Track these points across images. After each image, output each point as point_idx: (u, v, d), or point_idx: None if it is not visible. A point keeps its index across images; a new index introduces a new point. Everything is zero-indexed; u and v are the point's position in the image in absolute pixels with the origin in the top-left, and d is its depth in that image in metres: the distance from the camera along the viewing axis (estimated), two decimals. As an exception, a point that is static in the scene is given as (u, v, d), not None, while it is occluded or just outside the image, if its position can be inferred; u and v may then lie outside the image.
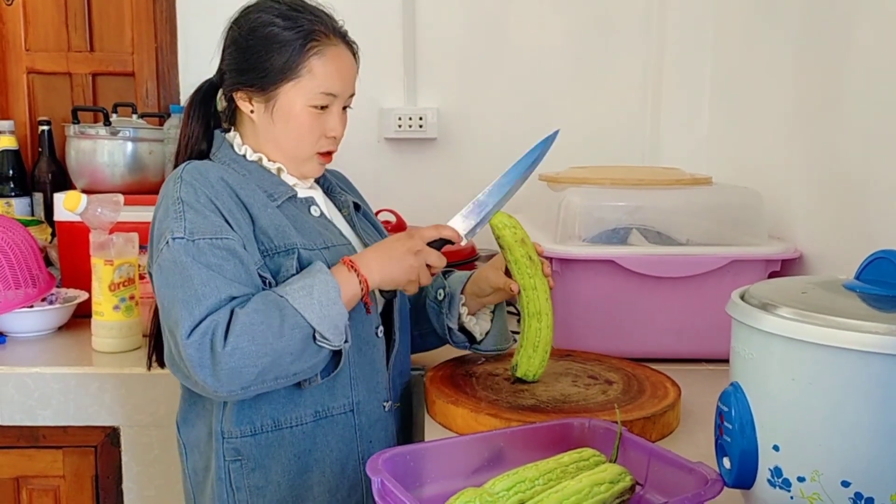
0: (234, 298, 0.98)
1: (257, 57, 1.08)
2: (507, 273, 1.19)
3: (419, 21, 2.03)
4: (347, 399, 1.12)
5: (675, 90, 1.98)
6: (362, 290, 1.05)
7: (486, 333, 1.26)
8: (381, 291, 1.13)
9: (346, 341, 1.03)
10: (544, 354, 1.16)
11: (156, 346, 1.20)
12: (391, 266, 1.08)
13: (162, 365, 1.21)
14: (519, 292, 1.17)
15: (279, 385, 1.01)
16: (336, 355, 1.06)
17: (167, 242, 1.01)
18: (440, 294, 1.25)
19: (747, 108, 1.69)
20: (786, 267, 1.40)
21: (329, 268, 1.05)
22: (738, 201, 1.48)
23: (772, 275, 1.38)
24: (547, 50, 2.05)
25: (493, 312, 1.28)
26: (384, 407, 1.16)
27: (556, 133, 1.20)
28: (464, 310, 1.24)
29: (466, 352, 1.29)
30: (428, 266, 1.10)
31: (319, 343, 1.00)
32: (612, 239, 1.44)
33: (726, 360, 0.80)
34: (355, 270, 1.05)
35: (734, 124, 1.76)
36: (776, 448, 0.71)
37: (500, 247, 1.18)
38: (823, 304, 0.71)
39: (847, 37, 1.28)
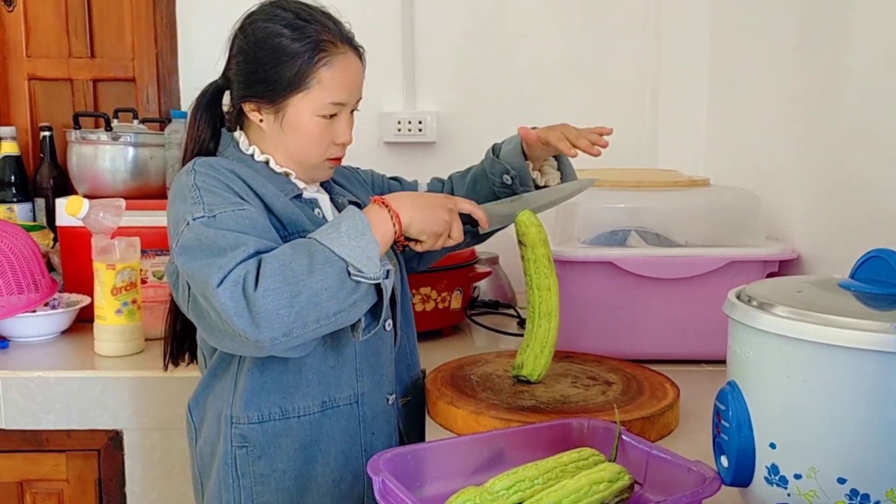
0: (260, 253, 0.97)
1: (266, 69, 1.08)
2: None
3: (418, 25, 2.04)
4: (353, 390, 1.13)
5: (673, 92, 1.99)
6: (394, 225, 1.03)
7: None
8: (400, 246, 1.10)
9: (386, 277, 1.00)
10: (549, 356, 1.18)
11: (171, 347, 1.21)
12: (425, 211, 1.06)
13: (176, 364, 1.23)
14: (533, 289, 1.17)
15: (324, 330, 0.98)
16: (375, 307, 1.02)
17: (187, 223, 1.00)
18: (507, 179, 1.25)
19: (745, 109, 1.70)
20: (783, 268, 1.40)
21: None
22: (736, 203, 1.49)
23: (769, 276, 1.38)
24: (545, 53, 2.06)
25: (556, 160, 1.30)
26: (387, 400, 1.17)
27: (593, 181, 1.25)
28: (535, 174, 1.26)
29: (465, 353, 1.30)
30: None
31: (355, 277, 0.96)
32: (610, 241, 1.45)
33: (725, 361, 0.80)
34: (386, 206, 1.04)
35: (732, 126, 1.77)
36: (773, 446, 0.72)
37: (522, 244, 1.18)
38: (818, 303, 0.72)
39: (844, 38, 1.29)
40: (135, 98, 2.08)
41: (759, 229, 1.45)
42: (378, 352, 1.15)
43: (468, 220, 1.14)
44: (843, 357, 0.67)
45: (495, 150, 1.30)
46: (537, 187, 1.27)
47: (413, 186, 1.37)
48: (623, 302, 1.39)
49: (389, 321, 1.16)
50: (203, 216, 1.00)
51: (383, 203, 1.05)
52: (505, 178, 1.25)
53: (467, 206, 1.13)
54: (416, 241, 1.08)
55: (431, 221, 1.07)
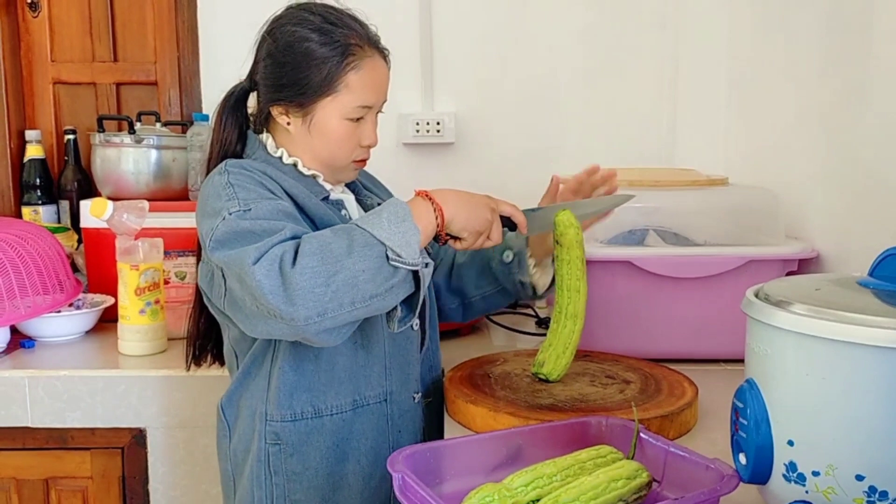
0: (298, 237, 0.97)
1: (295, 73, 1.09)
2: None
3: (436, 26, 2.05)
4: (382, 388, 1.14)
5: (692, 92, 1.99)
6: (437, 217, 1.03)
7: (550, 284, 1.28)
8: (442, 240, 1.09)
9: (426, 265, 1.00)
10: (570, 357, 1.18)
11: (194, 347, 1.22)
12: (468, 208, 1.06)
13: (199, 365, 1.24)
14: (563, 290, 1.18)
15: (359, 313, 0.97)
16: (411, 299, 1.02)
17: (223, 218, 1.00)
18: (507, 256, 1.26)
19: (763, 108, 1.69)
20: (803, 266, 1.40)
21: None
22: (755, 202, 1.48)
23: (789, 274, 1.38)
24: (562, 53, 2.06)
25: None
26: (414, 398, 1.19)
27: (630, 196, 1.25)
28: (531, 262, 1.26)
29: (484, 352, 1.31)
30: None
31: (393, 262, 0.96)
32: (629, 240, 1.45)
33: (744, 360, 0.80)
34: (430, 199, 1.04)
35: (750, 125, 1.76)
36: (791, 443, 0.72)
37: (558, 244, 1.17)
38: (837, 301, 0.72)
39: (865, 34, 1.28)
40: (157, 101, 2.10)
41: (779, 228, 1.45)
42: (406, 351, 1.17)
43: (507, 224, 1.14)
44: (862, 354, 0.67)
45: None
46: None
47: None
48: (641, 301, 1.39)
49: (417, 321, 1.17)
50: (238, 210, 1.01)
51: (427, 196, 1.05)
52: (506, 254, 1.26)
53: (508, 209, 1.13)
54: (457, 238, 1.08)
55: (475, 218, 1.07)
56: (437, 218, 1.04)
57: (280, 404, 1.10)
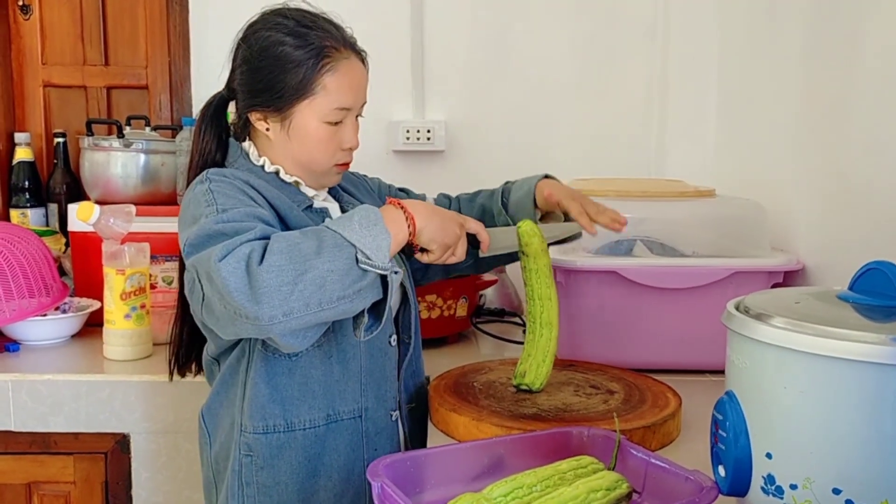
0: (268, 237, 0.96)
1: (270, 78, 1.09)
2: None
3: (427, 34, 2.06)
4: (357, 404, 1.13)
5: (680, 102, 2.00)
6: (409, 225, 1.03)
7: None
8: (406, 253, 1.09)
9: (395, 272, 0.98)
10: (550, 364, 1.18)
11: (176, 354, 1.21)
12: (438, 220, 1.06)
13: (183, 375, 1.24)
14: (534, 299, 1.18)
15: (325, 315, 0.95)
16: (379, 303, 1.01)
17: (199, 223, 1.00)
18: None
19: (752, 120, 1.70)
20: (788, 278, 1.40)
21: None
22: (742, 213, 1.49)
23: (774, 286, 1.38)
24: (553, 62, 2.07)
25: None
26: (391, 416, 1.17)
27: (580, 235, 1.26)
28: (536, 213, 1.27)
29: (470, 361, 1.31)
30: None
31: (362, 265, 0.95)
32: (616, 250, 1.45)
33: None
34: (402, 208, 1.04)
35: (738, 137, 1.77)
36: (769, 456, 0.72)
37: (524, 254, 1.18)
38: (816, 314, 0.72)
39: (853, 48, 1.29)
40: (148, 105, 2.10)
41: (765, 240, 1.45)
42: (383, 367, 1.16)
43: (471, 241, 1.14)
44: (840, 369, 0.67)
45: (505, 194, 1.30)
46: None
47: (421, 199, 1.38)
48: (627, 311, 1.39)
49: (394, 337, 1.17)
50: (215, 213, 1.00)
51: (399, 205, 1.04)
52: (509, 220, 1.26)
53: (475, 226, 1.13)
54: (425, 251, 1.08)
55: (444, 232, 1.07)
56: (409, 226, 1.03)
57: (252, 416, 1.09)
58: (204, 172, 1.10)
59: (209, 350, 1.16)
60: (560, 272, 1.37)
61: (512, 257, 1.28)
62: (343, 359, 1.12)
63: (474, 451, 0.90)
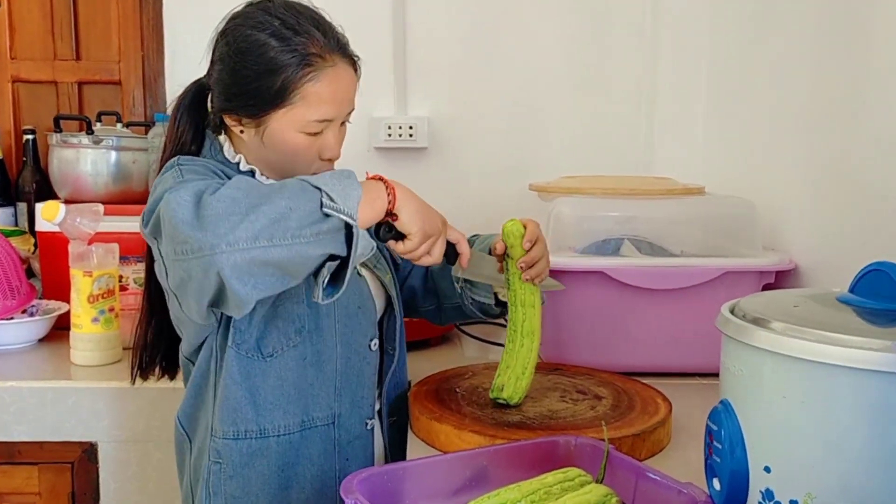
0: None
1: (247, 83, 1.02)
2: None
3: (410, 29, 2.01)
4: (330, 410, 1.08)
5: (670, 99, 1.96)
6: (388, 194, 0.94)
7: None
8: (383, 229, 0.99)
9: (362, 241, 0.89)
10: (530, 378, 1.12)
11: (140, 357, 1.16)
12: (421, 203, 0.97)
13: (146, 378, 1.18)
14: (516, 305, 1.13)
15: (276, 254, 0.85)
16: (342, 266, 0.91)
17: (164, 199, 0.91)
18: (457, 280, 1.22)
19: (742, 116, 1.66)
20: (780, 278, 1.37)
21: None
22: (732, 211, 1.45)
23: (766, 286, 1.35)
24: (539, 59, 2.03)
25: None
26: (366, 424, 1.12)
27: None
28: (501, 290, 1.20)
29: (453, 364, 1.27)
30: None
31: (326, 209, 0.86)
32: (603, 250, 1.41)
33: (719, 375, 0.76)
34: (383, 181, 0.95)
35: (728, 133, 1.74)
36: (767, 469, 0.68)
37: (508, 256, 1.12)
38: (816, 319, 0.68)
39: (857, 44, 1.25)
40: (121, 101, 2.04)
41: (756, 239, 1.42)
42: (360, 371, 1.11)
43: (449, 258, 1.06)
44: (842, 377, 0.63)
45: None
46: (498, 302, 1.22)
47: None
48: (615, 313, 1.35)
49: (375, 341, 1.12)
50: (178, 182, 0.95)
51: (379, 178, 0.96)
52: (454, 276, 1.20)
53: (457, 236, 1.06)
54: (402, 238, 0.98)
55: (426, 216, 0.97)
56: (388, 195, 0.94)
57: (224, 419, 1.04)
58: (175, 158, 1.04)
59: (183, 348, 1.11)
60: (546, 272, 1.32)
61: (483, 310, 1.22)
62: (318, 361, 1.07)
63: (455, 463, 0.86)
